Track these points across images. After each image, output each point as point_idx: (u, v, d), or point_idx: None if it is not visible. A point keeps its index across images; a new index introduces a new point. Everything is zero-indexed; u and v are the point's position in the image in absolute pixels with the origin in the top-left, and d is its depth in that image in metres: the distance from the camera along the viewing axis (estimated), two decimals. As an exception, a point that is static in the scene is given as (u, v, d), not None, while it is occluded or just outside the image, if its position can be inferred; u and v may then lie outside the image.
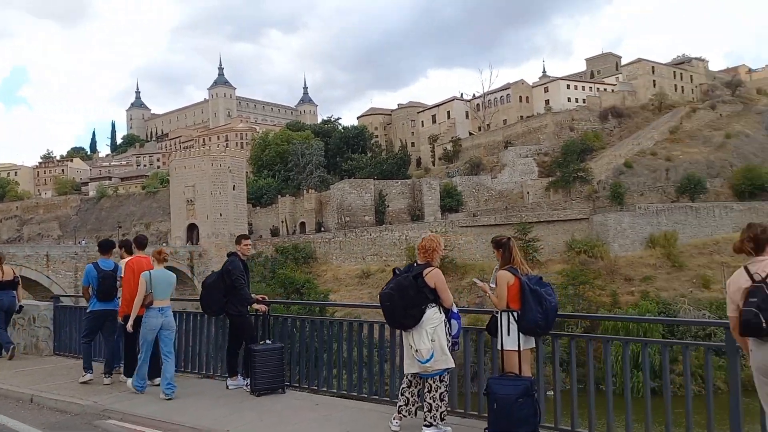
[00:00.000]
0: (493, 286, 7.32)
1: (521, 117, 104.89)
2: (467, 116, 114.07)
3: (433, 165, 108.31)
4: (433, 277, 7.27)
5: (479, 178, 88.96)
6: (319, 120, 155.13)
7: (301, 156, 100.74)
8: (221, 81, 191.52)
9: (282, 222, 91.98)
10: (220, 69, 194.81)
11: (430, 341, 7.04)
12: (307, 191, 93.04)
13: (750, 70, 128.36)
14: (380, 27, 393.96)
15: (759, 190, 76.10)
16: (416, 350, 7.06)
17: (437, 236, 7.62)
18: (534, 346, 7.50)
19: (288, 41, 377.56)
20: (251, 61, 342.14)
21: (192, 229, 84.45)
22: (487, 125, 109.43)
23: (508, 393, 6.66)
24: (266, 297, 10.34)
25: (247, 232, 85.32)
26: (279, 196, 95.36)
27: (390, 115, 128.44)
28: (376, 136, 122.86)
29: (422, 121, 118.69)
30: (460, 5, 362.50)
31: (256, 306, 9.81)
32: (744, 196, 75.91)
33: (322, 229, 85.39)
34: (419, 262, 7.47)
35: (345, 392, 9.17)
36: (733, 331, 5.68)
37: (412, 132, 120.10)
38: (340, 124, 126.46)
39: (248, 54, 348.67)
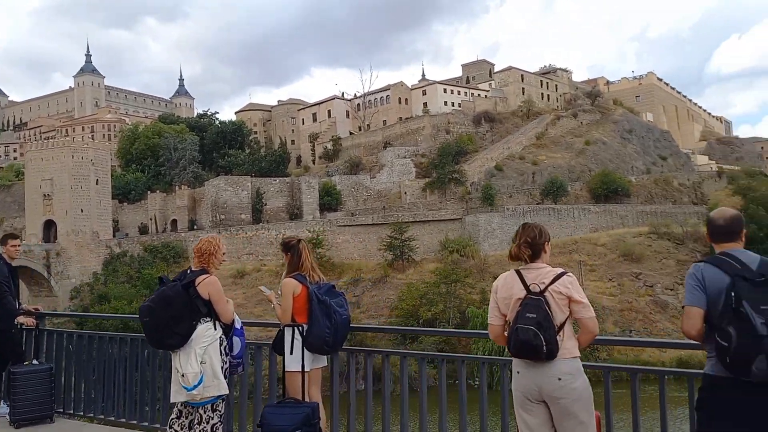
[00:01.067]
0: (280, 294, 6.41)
1: (400, 118, 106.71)
2: (348, 116, 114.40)
3: (313, 164, 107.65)
4: (208, 285, 6.11)
5: (358, 178, 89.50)
6: (196, 114, 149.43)
7: (174, 150, 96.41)
8: (89, 68, 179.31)
9: (151, 219, 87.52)
10: (88, 55, 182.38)
11: (198, 364, 5.94)
12: (179, 187, 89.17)
13: (608, 82, 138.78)
14: (267, 22, 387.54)
15: (613, 193, 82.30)
16: (182, 375, 5.96)
17: (217, 238, 6.59)
18: (326, 364, 6.64)
19: (166, 30, 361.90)
20: (126, 50, 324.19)
21: (50, 226, 78.32)
22: (367, 125, 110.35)
23: (282, 424, 5.79)
24: (40, 308, 9.16)
25: (109, 228, 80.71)
26: (149, 192, 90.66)
27: (270, 111, 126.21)
28: (255, 133, 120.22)
29: (303, 119, 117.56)
30: (347, 6, 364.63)
31: (21, 319, 8.56)
32: (600, 199, 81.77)
33: (195, 227, 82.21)
34: (193, 268, 6.29)
35: (123, 420, 8.00)
36: (496, 339, 5.21)
37: (293, 129, 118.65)
38: (217, 119, 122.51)
39: (123, 42, 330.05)
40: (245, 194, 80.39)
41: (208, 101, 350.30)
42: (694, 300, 4.50)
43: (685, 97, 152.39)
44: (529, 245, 5.19)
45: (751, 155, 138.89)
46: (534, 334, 4.74)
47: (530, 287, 4.96)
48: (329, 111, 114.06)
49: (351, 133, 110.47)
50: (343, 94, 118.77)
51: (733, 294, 4.31)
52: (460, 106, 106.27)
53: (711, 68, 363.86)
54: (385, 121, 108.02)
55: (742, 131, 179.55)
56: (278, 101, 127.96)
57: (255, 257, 71.22)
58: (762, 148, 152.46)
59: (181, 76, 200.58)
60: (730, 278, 4.40)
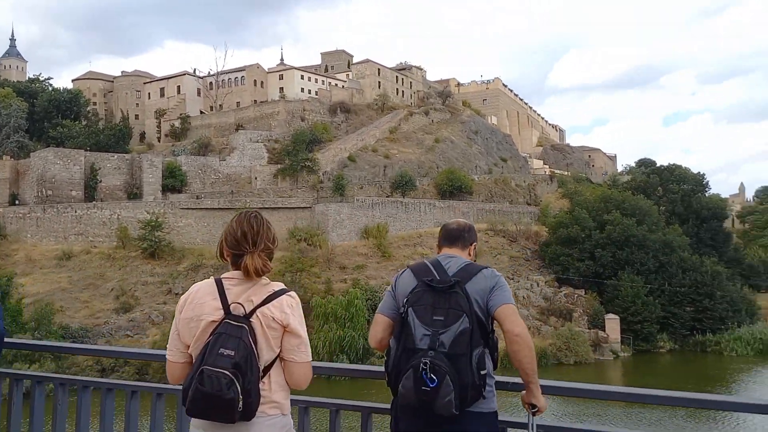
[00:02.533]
0: None
1: (255, 101, 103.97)
2: (199, 94, 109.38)
3: (159, 141, 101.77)
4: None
5: (207, 160, 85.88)
6: (27, 78, 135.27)
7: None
8: None
9: (-35, 191, 77.83)
10: None
11: None
12: (1, 158, 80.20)
13: (459, 84, 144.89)
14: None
15: (457, 190, 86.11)
16: None
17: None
18: None
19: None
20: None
21: None
22: (220, 105, 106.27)
23: None
24: None
25: None
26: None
27: (112, 82, 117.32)
28: (95, 104, 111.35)
29: (149, 93, 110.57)
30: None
31: None
32: (446, 195, 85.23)
33: (17, 202, 74.39)
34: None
35: None
36: (174, 381, 3.82)
37: (137, 104, 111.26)
38: (50, 85, 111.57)
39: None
40: (77, 169, 73.94)
41: (45, 67, 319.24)
42: (383, 307, 4.18)
43: (526, 104, 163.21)
44: (236, 244, 3.74)
45: (579, 162, 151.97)
46: (228, 383, 3.27)
47: (231, 307, 3.56)
48: (179, 87, 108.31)
49: (202, 113, 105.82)
50: (195, 70, 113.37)
51: (405, 300, 3.91)
52: (317, 94, 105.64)
53: (551, 80, 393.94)
54: (238, 103, 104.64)
55: (574, 140, 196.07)
56: (122, 72, 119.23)
57: (85, 238, 65.80)
58: (589, 156, 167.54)
59: (12, 36, 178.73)
60: (415, 283, 3.98)
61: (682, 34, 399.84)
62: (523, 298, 64.36)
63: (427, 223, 77.52)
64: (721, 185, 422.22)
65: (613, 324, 60.21)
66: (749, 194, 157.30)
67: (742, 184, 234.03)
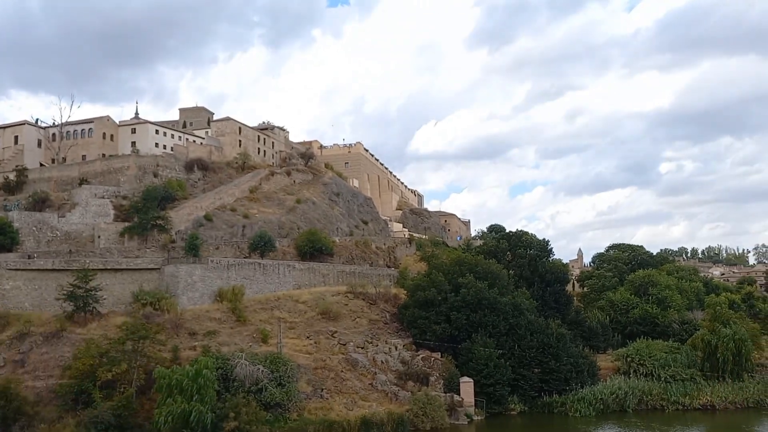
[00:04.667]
0: None
1: (103, 155, 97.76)
2: (40, 145, 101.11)
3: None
4: None
5: (43, 216, 78.54)
6: None
7: None
8: None
9: None
10: None
11: None
12: None
13: (321, 146, 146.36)
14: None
15: (318, 252, 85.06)
16: None
17: None
18: None
19: None
20: None
21: None
22: (63, 158, 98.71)
23: None
24: None
25: None
26: None
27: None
28: None
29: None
30: (55, 27, 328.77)
31: None
32: (306, 257, 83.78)
33: None
34: None
35: None
36: None
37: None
38: None
39: None
40: None
41: None
42: None
43: (386, 169, 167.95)
44: None
45: (436, 226, 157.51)
46: None
47: None
48: (17, 137, 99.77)
49: (42, 165, 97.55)
50: (37, 121, 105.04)
51: None
52: (172, 150, 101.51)
53: (411, 147, 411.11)
54: (84, 156, 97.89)
55: (431, 205, 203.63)
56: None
57: None
58: (445, 221, 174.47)
59: None
60: None
61: (526, 112, 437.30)
62: (382, 362, 63.67)
63: (286, 285, 75.44)
64: (562, 251, 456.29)
65: (467, 387, 60.94)
66: (587, 260, 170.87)
67: (580, 250, 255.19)
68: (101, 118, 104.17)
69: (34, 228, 75.90)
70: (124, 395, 48.92)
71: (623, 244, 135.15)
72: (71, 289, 58.16)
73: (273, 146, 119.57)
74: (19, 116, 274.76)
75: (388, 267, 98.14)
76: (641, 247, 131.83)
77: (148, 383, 50.53)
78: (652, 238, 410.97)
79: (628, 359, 72.78)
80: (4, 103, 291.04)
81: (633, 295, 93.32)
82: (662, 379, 68.47)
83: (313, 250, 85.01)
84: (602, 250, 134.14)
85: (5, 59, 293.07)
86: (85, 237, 78.32)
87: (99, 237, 77.62)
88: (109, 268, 64.78)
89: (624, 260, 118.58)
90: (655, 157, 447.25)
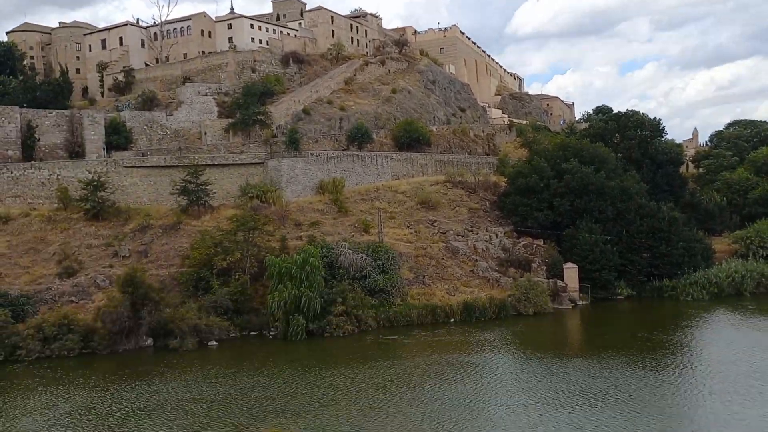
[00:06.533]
0: None
1: (202, 52, 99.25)
2: (143, 45, 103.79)
3: (102, 96, 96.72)
4: None
5: (153, 115, 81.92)
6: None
7: None
8: None
9: None
10: None
11: None
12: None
13: (416, 32, 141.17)
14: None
15: (415, 142, 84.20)
16: None
17: None
18: None
19: None
20: None
21: None
22: (165, 57, 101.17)
23: None
24: None
25: None
26: None
27: (50, 34, 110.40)
28: (31, 58, 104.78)
29: (90, 46, 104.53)
30: None
31: None
32: (403, 147, 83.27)
33: (-52, 164, 69.75)
34: None
35: None
36: None
37: (77, 57, 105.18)
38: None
39: None
40: (13, 127, 69.51)
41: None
42: None
43: (485, 52, 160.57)
44: None
45: (537, 111, 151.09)
46: None
47: None
48: (121, 38, 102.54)
49: (146, 65, 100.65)
50: (138, 21, 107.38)
51: None
52: (268, 44, 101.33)
53: (510, 28, 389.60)
54: (185, 55, 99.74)
55: (532, 89, 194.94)
56: (60, 23, 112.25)
57: (23, 200, 62.31)
58: (548, 104, 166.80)
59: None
60: None
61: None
62: (483, 250, 63.68)
63: (385, 176, 75.77)
64: (675, 130, 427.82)
65: (571, 273, 60.09)
66: (702, 139, 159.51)
67: (695, 129, 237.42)
68: (198, 14, 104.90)
69: (145, 127, 79.49)
70: (239, 282, 52.09)
71: (744, 120, 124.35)
72: (183, 185, 61.25)
73: (366, 35, 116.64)
74: (122, 18, 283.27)
75: (487, 155, 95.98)
76: (765, 122, 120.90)
77: (260, 271, 53.41)
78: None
79: (747, 241, 68.81)
80: (108, 5, 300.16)
81: (753, 175, 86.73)
82: (785, 261, 64.54)
83: (410, 140, 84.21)
84: (720, 128, 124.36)
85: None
86: (193, 134, 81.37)
87: (205, 134, 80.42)
88: (216, 163, 67.34)
89: (745, 138, 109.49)
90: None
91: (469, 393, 33.88)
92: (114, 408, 33.54)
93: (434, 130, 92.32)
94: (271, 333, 50.07)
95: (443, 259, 61.12)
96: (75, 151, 72.88)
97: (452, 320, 53.30)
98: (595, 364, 38.79)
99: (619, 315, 57.30)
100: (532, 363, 40.64)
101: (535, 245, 64.70)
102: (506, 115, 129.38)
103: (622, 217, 64.47)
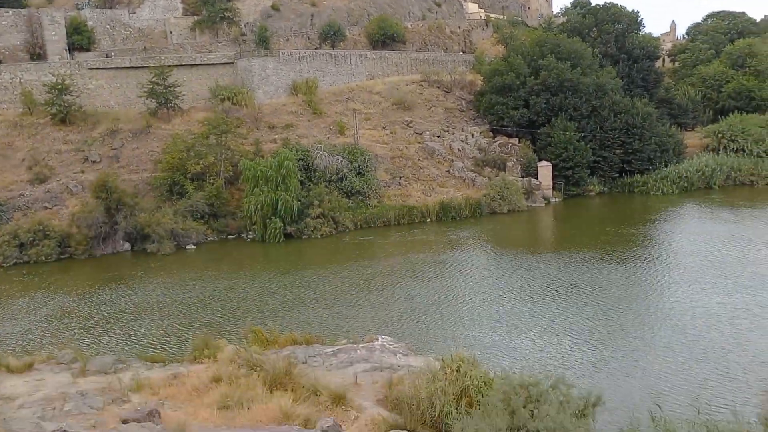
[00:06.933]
0: None
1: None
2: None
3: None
4: None
5: (114, 13, 78.05)
6: None
7: None
8: None
9: None
10: None
11: None
12: None
13: None
14: None
15: (390, 40, 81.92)
16: None
17: None
18: None
19: None
20: None
21: None
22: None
23: None
24: None
25: None
26: None
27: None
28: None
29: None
30: None
31: None
32: (378, 45, 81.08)
33: None
34: None
35: None
36: None
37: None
38: None
39: None
40: (-34, 29, 66.02)
41: None
42: None
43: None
44: None
45: (515, 5, 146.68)
46: None
47: None
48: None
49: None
50: None
51: None
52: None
53: None
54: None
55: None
56: None
57: (-16, 106, 60.21)
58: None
59: None
60: None
61: None
62: (458, 150, 63.77)
63: (359, 76, 74.12)
64: (654, 24, 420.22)
65: (545, 171, 60.76)
66: (680, 32, 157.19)
67: (673, 22, 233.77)
68: None
69: (107, 26, 75.98)
70: (213, 186, 51.92)
71: (723, 11, 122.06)
72: (151, 87, 59.48)
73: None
74: None
75: (464, 52, 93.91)
76: (743, 13, 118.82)
77: (235, 175, 53.18)
78: (759, 1, 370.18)
79: (719, 135, 69.56)
80: None
81: (729, 69, 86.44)
82: (754, 154, 65.68)
83: (384, 38, 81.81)
84: (699, 20, 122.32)
85: None
86: (157, 33, 78.05)
87: (171, 33, 77.24)
88: (184, 64, 65.11)
89: (722, 30, 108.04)
90: None
91: (441, 289, 35.08)
92: (94, 311, 34.20)
93: (409, 26, 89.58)
94: (249, 236, 50.62)
95: (419, 160, 61.21)
96: (36, 53, 69.71)
97: (428, 220, 54.19)
98: (564, 258, 40.14)
99: (590, 211, 58.65)
100: (503, 259, 41.94)
101: (510, 144, 64.89)
102: (483, 10, 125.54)
103: (596, 114, 64.52)
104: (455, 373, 16.66)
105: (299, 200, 50.36)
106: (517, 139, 65.45)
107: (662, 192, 61.33)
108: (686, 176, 62.74)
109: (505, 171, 60.67)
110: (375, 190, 55.28)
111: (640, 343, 26.04)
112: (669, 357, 24.35)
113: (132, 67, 63.90)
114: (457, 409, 15.14)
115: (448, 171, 60.80)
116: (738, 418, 10.84)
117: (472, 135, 66.10)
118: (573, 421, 11.18)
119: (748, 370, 22.72)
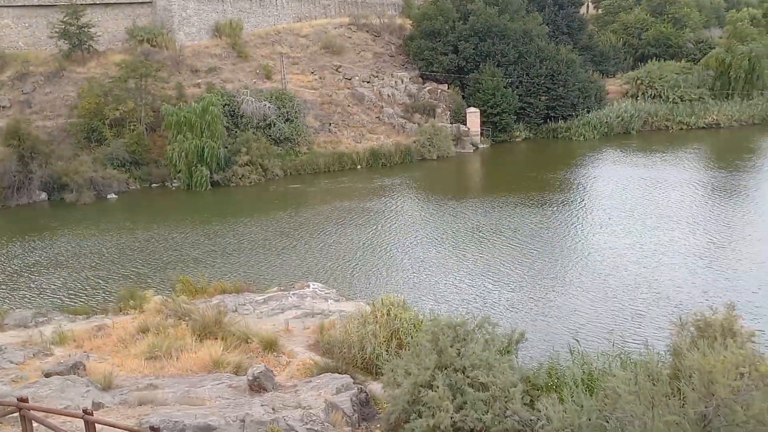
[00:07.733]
0: None
1: None
2: None
3: None
4: None
5: (17, -55, 72.22)
6: None
7: None
8: None
9: None
10: None
11: None
12: None
13: None
14: None
15: (317, -20, 79.44)
16: None
17: None
18: None
19: None
20: None
21: None
22: None
23: None
24: None
25: None
26: None
27: None
28: None
29: None
30: None
31: None
32: (305, -14, 78.54)
33: None
34: None
35: None
36: None
37: None
38: None
39: None
40: None
41: None
42: None
43: None
44: None
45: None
46: None
47: None
48: None
49: None
50: None
51: None
52: None
53: None
54: None
55: None
56: None
57: None
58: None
59: None
60: None
61: None
62: (388, 96, 63.54)
63: (286, 17, 72.03)
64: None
65: (473, 117, 61.54)
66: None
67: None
68: None
69: (10, -40, 70.30)
70: (134, 132, 50.03)
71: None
72: (63, 27, 55.94)
73: None
74: None
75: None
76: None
77: (157, 121, 51.33)
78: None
79: (638, 82, 71.95)
80: None
81: (649, 16, 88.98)
82: (670, 100, 68.61)
83: (312, -23, 79.33)
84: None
85: None
86: (67, -31, 72.91)
87: (82, -31, 72.22)
88: (98, 2, 61.27)
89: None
90: None
91: (370, 236, 35.52)
92: (5, 264, 32.86)
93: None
94: (174, 184, 49.33)
95: (349, 106, 60.69)
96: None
97: (358, 167, 54.22)
98: (488, 203, 41.27)
99: (516, 156, 60.13)
100: (429, 205, 42.72)
101: (439, 90, 65.12)
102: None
103: (523, 60, 65.37)
104: (386, 316, 17.20)
105: (226, 147, 49.32)
106: (446, 85, 65.72)
107: (584, 138, 63.37)
108: (607, 122, 64.93)
109: (434, 117, 61.04)
110: (304, 136, 54.68)
111: (555, 282, 27.39)
112: (582, 296, 25.76)
113: (41, 6, 59.70)
114: (387, 350, 15.70)
115: (378, 117, 60.68)
116: (649, 349, 11.73)
117: (402, 81, 65.89)
118: (497, 357, 11.80)
119: (656, 306, 24.37)
